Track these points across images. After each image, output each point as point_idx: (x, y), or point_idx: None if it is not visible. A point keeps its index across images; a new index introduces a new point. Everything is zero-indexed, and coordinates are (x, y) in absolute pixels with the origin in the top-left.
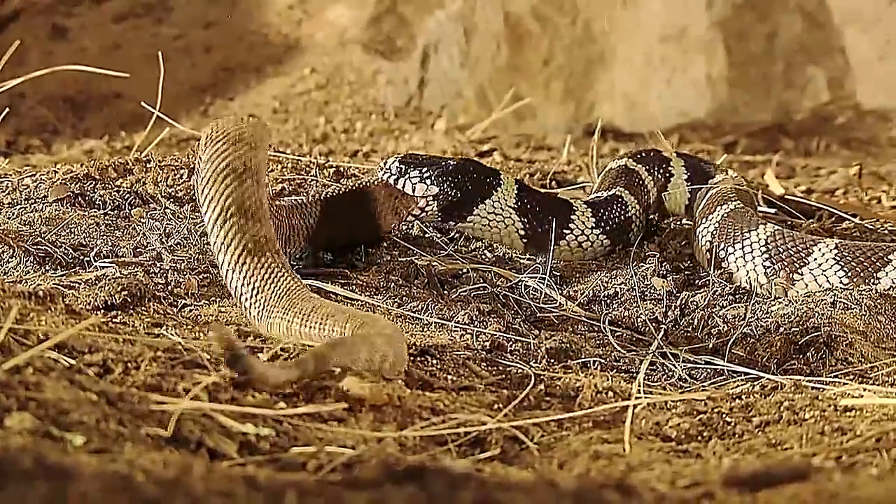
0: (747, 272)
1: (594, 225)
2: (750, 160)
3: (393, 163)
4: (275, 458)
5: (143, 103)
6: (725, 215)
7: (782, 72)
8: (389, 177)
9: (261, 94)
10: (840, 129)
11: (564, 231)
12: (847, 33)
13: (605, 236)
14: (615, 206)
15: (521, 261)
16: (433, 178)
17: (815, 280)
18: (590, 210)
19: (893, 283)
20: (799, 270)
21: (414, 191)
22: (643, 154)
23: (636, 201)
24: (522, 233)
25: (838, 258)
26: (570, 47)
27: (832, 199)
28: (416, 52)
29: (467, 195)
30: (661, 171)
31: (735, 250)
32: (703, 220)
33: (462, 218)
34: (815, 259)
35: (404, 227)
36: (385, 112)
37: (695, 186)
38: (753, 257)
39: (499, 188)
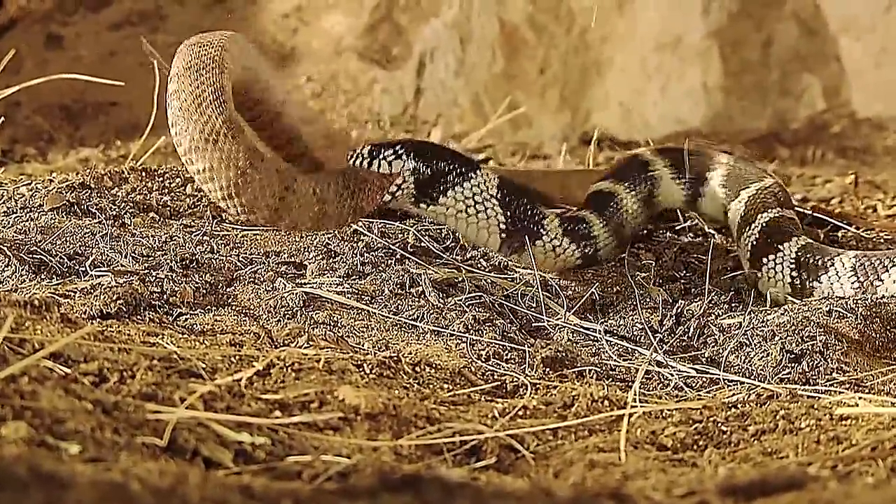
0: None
1: (563, 233)
2: None
3: (363, 149)
4: (270, 467)
5: (136, 113)
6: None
7: (778, 80)
8: (361, 161)
9: None
10: (836, 137)
11: (541, 232)
12: (842, 41)
13: (576, 247)
14: (581, 225)
15: (517, 269)
16: (408, 153)
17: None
18: (558, 220)
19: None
20: (818, 279)
21: (391, 167)
22: (620, 168)
23: (602, 223)
24: (504, 227)
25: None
26: (566, 56)
27: (828, 208)
28: (411, 61)
29: (441, 174)
30: (643, 179)
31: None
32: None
33: (434, 199)
34: (836, 271)
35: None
36: (381, 121)
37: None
38: (783, 268)
39: (477, 173)
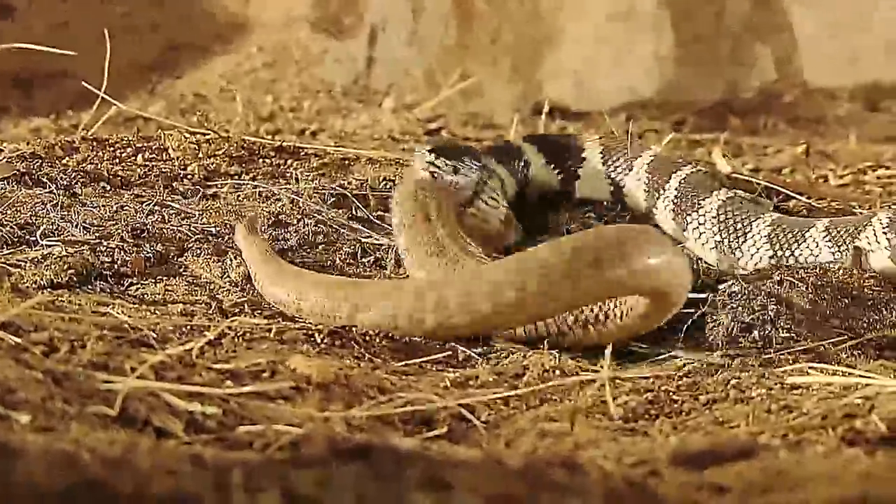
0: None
1: None
2: (697, 138)
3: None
4: (222, 437)
5: (84, 83)
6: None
7: (730, 50)
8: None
9: (208, 72)
10: (787, 107)
11: None
12: (795, 11)
13: None
14: None
15: None
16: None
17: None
18: None
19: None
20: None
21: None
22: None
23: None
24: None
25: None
26: (519, 26)
27: (779, 178)
28: (363, 31)
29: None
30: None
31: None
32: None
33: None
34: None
35: None
36: (332, 91)
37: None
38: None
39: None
